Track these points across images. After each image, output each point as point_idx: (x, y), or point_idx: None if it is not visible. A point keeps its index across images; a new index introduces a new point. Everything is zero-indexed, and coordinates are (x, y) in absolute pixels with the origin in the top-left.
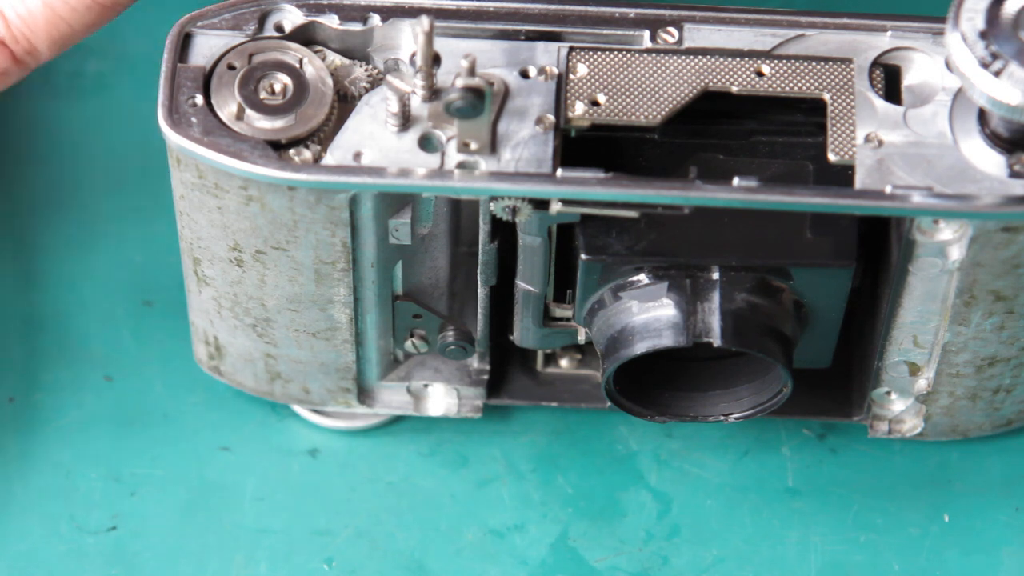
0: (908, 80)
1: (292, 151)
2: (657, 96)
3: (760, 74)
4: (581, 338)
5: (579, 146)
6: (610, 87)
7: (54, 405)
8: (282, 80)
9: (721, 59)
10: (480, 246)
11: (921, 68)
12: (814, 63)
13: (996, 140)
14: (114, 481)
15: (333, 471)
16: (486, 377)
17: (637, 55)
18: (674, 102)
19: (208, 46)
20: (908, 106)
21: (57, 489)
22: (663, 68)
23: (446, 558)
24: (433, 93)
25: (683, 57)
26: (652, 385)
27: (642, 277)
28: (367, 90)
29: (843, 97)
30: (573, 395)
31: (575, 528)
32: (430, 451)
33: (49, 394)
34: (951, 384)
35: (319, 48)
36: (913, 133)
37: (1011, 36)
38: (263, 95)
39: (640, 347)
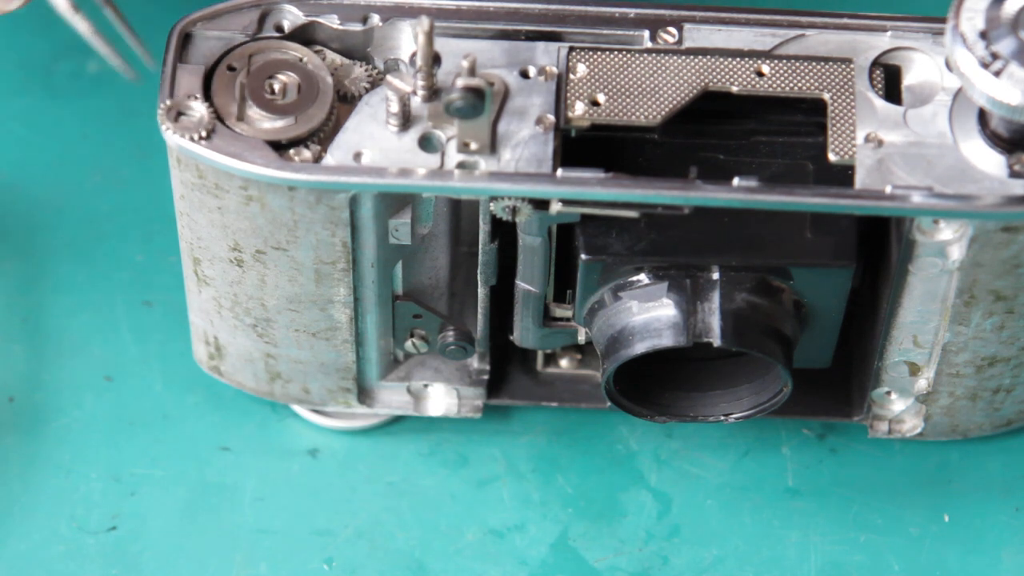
0: (908, 80)
1: (292, 151)
2: (657, 96)
3: (760, 74)
4: (581, 338)
5: (579, 146)
6: (610, 87)
7: (54, 405)
8: (282, 80)
9: (721, 59)
10: (480, 246)
11: (921, 68)
12: (814, 63)
13: (996, 140)
14: (114, 481)
15: (333, 471)
16: (486, 377)
17: (637, 55)
18: (674, 102)
19: (208, 46)
20: (908, 106)
21: (57, 489)
22: (663, 68)
23: (446, 558)
24: (433, 93)
25: (683, 57)
26: (652, 385)
27: (642, 277)
28: (367, 90)
29: (843, 97)
30: (573, 395)
31: (575, 528)
32: (430, 451)
33: (49, 394)
34: (951, 384)
35: (319, 48)
36: (913, 133)
37: (1011, 36)
38: (263, 95)
39: (640, 347)
